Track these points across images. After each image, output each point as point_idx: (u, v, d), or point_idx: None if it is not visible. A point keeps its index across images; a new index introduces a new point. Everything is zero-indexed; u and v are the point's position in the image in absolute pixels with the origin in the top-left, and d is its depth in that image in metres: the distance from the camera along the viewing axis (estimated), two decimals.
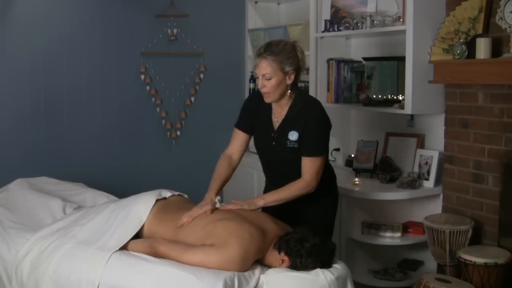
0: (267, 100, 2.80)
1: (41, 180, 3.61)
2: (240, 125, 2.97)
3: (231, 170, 2.94)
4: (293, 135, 2.79)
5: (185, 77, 4.77)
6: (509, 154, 3.30)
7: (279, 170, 2.90)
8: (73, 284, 2.50)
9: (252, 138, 3.00)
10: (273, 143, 2.85)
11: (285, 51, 2.72)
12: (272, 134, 2.85)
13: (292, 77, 2.75)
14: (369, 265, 3.86)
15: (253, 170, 4.21)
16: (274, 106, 2.87)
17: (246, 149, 3.00)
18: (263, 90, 2.76)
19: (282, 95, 2.78)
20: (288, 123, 2.81)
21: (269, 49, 2.72)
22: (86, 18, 4.37)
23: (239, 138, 2.97)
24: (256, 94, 2.93)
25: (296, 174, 2.79)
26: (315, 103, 2.85)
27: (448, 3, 3.56)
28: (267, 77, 2.71)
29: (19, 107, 4.20)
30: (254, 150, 3.05)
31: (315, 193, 2.79)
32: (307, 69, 4.30)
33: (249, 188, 4.51)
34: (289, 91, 2.79)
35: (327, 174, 2.89)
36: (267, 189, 2.98)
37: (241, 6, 4.96)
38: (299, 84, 3.03)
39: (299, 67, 2.77)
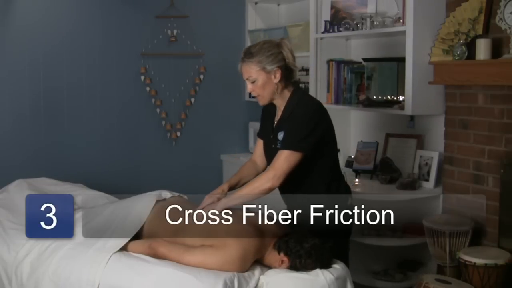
0: (261, 103, 2.79)
1: (41, 181, 3.59)
2: (259, 133, 3.00)
3: (253, 171, 2.93)
4: (280, 135, 2.72)
5: (185, 78, 4.77)
6: (509, 155, 3.30)
7: None
8: (73, 285, 2.50)
9: None
10: (272, 145, 2.80)
11: (264, 50, 2.65)
12: (271, 137, 2.83)
13: (278, 75, 2.66)
14: (369, 266, 3.85)
15: None
16: (277, 108, 2.83)
17: None
18: (253, 94, 2.77)
19: (273, 95, 2.72)
20: (281, 124, 2.75)
21: (247, 52, 2.69)
22: (86, 19, 4.38)
23: (259, 144, 2.98)
24: None
25: (296, 182, 2.67)
26: (309, 102, 2.74)
27: (448, 4, 3.56)
28: (251, 80, 2.68)
29: (19, 108, 4.21)
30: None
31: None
32: (307, 69, 4.30)
33: None
34: (280, 90, 2.70)
35: (324, 180, 2.75)
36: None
37: (241, 7, 4.96)
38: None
39: (285, 64, 2.67)
